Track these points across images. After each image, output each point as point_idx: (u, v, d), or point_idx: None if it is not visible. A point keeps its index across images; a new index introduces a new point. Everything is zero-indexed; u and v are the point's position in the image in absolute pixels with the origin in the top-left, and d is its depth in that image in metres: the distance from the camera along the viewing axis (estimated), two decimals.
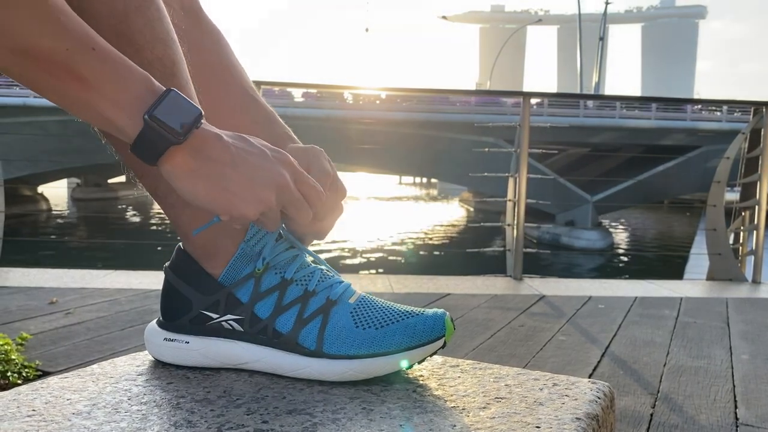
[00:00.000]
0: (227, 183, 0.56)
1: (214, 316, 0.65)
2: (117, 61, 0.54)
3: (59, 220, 24.00)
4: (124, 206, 26.86)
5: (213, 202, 0.57)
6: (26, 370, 1.50)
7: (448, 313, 0.66)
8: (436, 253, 16.53)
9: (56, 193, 29.46)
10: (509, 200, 3.38)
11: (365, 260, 15.12)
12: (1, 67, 0.52)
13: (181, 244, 0.68)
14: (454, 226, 25.61)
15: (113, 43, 0.55)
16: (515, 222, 3.31)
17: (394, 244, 18.33)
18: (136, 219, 24.21)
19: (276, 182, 0.58)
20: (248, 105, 0.79)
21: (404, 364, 0.64)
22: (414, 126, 20.70)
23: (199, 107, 0.56)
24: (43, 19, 0.51)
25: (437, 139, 20.48)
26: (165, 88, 0.55)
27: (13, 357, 1.50)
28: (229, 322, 0.65)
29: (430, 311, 0.66)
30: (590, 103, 23.86)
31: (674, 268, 12.21)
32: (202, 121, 0.56)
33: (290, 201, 0.59)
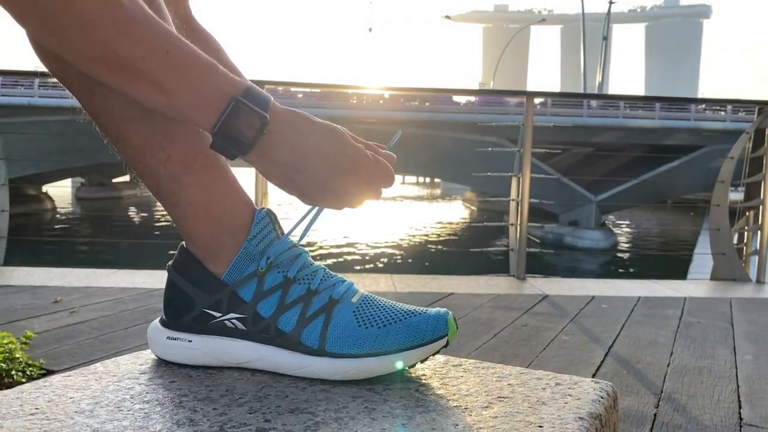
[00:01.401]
0: (296, 185, 0.61)
1: (217, 314, 0.66)
2: (190, 64, 0.57)
3: (63, 219, 24.06)
4: (126, 207, 26.91)
5: (292, 192, 0.62)
6: (30, 368, 1.51)
7: (450, 312, 0.66)
8: (438, 251, 16.52)
9: (60, 192, 29.52)
10: (512, 200, 3.37)
11: (368, 259, 15.12)
12: (91, 74, 0.56)
13: (184, 243, 0.68)
14: (457, 225, 25.59)
15: None
16: (518, 222, 3.31)
17: (397, 243, 18.32)
18: (140, 218, 24.25)
19: (349, 175, 0.62)
20: None
21: (407, 363, 0.64)
22: (417, 126, 20.69)
23: (266, 98, 0.59)
24: (120, 29, 0.53)
25: (440, 138, 20.47)
26: (232, 96, 0.57)
27: (17, 356, 1.50)
28: (232, 320, 0.65)
29: (432, 310, 0.66)
30: (593, 102, 23.81)
31: (678, 268, 12.18)
32: (269, 118, 0.58)
33: (372, 176, 0.63)
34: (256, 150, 0.59)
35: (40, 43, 0.59)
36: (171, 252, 0.72)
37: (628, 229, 26.19)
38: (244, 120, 0.57)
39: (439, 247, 18.59)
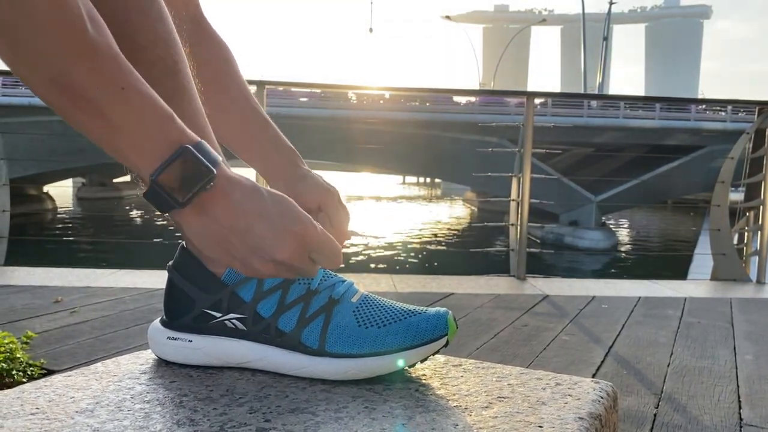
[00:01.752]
0: (231, 248, 0.57)
1: (217, 314, 0.66)
2: (144, 104, 0.54)
3: (64, 219, 24.08)
4: (128, 207, 26.92)
5: (219, 260, 0.59)
6: (31, 368, 1.51)
7: (450, 312, 0.66)
8: (438, 251, 16.51)
9: (61, 192, 29.53)
10: (513, 200, 3.37)
11: (368, 259, 15.12)
12: (38, 94, 0.53)
13: (184, 243, 0.68)
14: (457, 225, 25.59)
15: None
16: (519, 222, 3.31)
17: (397, 243, 18.32)
18: (140, 218, 24.27)
19: (279, 257, 0.57)
20: (254, 120, 0.81)
21: (407, 363, 0.64)
22: (418, 126, 20.69)
23: (216, 158, 0.56)
24: (79, 53, 0.51)
25: (441, 138, 20.48)
26: (181, 145, 0.55)
27: (18, 356, 1.50)
28: (232, 320, 0.65)
29: (432, 310, 0.66)
30: (594, 103, 23.82)
31: (678, 269, 12.18)
32: (216, 174, 0.55)
33: (300, 266, 0.59)
34: (194, 205, 0.55)
35: None
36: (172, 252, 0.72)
37: (628, 230, 26.19)
38: (191, 168, 0.54)
39: (440, 247, 18.59)
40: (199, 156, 0.55)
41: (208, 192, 0.55)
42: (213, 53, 0.81)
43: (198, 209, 0.56)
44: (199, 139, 0.56)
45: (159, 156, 0.54)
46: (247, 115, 0.81)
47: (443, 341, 0.65)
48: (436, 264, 14.24)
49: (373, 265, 14.21)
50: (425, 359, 0.66)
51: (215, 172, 0.55)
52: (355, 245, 16.43)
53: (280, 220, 0.57)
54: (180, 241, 0.69)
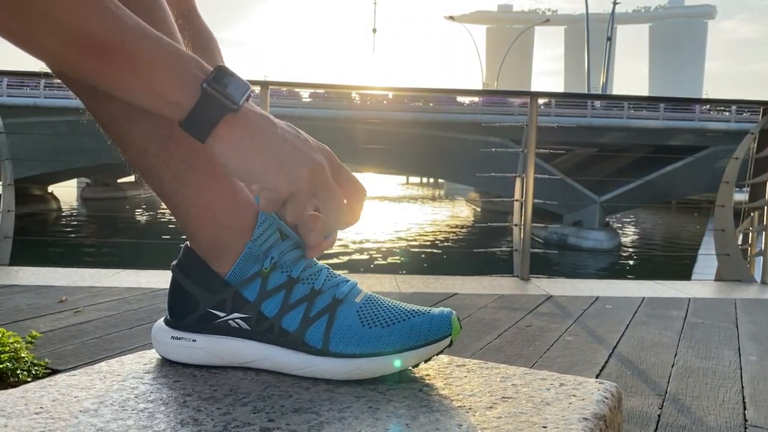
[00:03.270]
0: (269, 153, 0.58)
1: (221, 314, 0.66)
2: (170, 46, 0.56)
3: (69, 220, 24.15)
4: (129, 207, 26.98)
5: (258, 173, 0.58)
6: (35, 368, 1.51)
7: (454, 312, 0.66)
8: (441, 251, 16.51)
9: (66, 192, 29.64)
10: (516, 200, 3.37)
11: (372, 259, 15.12)
12: (58, 57, 0.54)
13: (188, 242, 0.68)
14: (461, 226, 25.57)
15: None
16: (522, 222, 3.30)
17: (400, 243, 18.31)
18: (144, 218, 24.31)
19: (313, 162, 0.59)
20: None
21: (410, 363, 0.64)
22: (421, 126, 20.68)
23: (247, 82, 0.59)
24: (98, 10, 0.53)
25: (444, 139, 20.46)
26: (217, 65, 0.58)
27: (22, 355, 1.51)
28: (236, 320, 0.65)
29: (436, 310, 0.66)
30: (598, 103, 23.77)
31: (682, 269, 12.15)
32: (251, 94, 0.59)
33: (325, 185, 0.60)
34: (242, 110, 0.57)
35: (3, 31, 0.54)
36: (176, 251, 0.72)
37: (632, 230, 26.13)
38: (236, 79, 0.57)
39: (444, 246, 18.58)
40: (233, 72, 0.58)
41: (249, 104, 0.58)
42: (201, 47, 0.81)
43: (242, 119, 0.57)
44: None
45: (198, 77, 0.56)
46: None
47: (447, 341, 0.65)
48: (439, 264, 14.23)
49: (376, 265, 14.21)
50: (429, 359, 0.65)
51: (249, 85, 0.58)
52: (358, 243, 16.43)
53: (314, 141, 0.61)
54: (184, 240, 0.69)
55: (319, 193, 0.60)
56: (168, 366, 0.68)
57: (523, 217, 3.30)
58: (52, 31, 0.52)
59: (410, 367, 0.66)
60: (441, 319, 0.64)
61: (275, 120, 0.60)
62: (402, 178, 61.66)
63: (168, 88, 0.56)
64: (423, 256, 16.28)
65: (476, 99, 23.53)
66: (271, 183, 0.58)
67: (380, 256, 15.75)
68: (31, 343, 1.61)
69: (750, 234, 3.64)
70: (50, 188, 24.85)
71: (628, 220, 28.52)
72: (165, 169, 0.64)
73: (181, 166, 0.63)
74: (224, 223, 0.65)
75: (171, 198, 0.65)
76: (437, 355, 0.66)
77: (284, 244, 0.66)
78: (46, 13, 0.51)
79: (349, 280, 0.68)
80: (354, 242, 16.83)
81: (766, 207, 3.45)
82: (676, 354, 1.88)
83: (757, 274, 3.45)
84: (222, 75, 0.57)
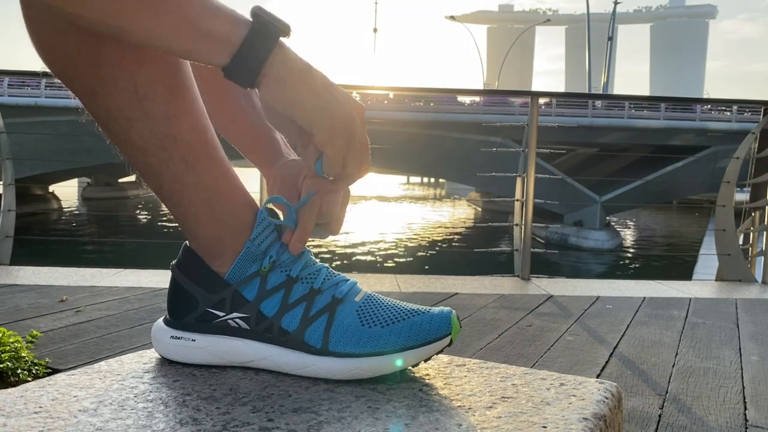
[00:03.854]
0: (325, 85, 0.59)
1: (221, 314, 0.66)
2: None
3: (70, 219, 24.17)
4: (132, 206, 27.01)
5: (317, 107, 0.58)
6: (36, 367, 1.51)
7: (454, 311, 0.66)
8: (442, 251, 16.51)
9: (67, 192, 29.64)
10: (517, 200, 3.37)
11: (372, 259, 15.12)
12: (100, 14, 0.53)
13: (187, 242, 0.68)
14: (462, 225, 25.57)
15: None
16: (523, 222, 3.30)
17: (401, 243, 18.32)
18: (145, 218, 24.33)
19: (359, 109, 0.60)
20: (252, 115, 0.81)
21: (410, 362, 0.64)
22: (422, 126, 20.68)
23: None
24: None
25: (445, 139, 20.46)
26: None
27: (23, 354, 1.51)
28: (235, 320, 0.65)
29: (436, 309, 0.66)
30: (598, 103, 23.75)
31: (683, 269, 12.14)
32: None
33: (361, 138, 0.61)
34: (281, 52, 0.57)
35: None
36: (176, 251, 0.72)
37: (633, 230, 26.13)
38: (274, 18, 0.57)
39: (444, 246, 18.58)
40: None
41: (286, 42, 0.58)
42: None
43: (289, 49, 0.58)
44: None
45: (238, 14, 0.56)
46: (244, 110, 0.82)
47: (447, 341, 0.64)
48: (440, 264, 14.23)
49: (376, 264, 14.21)
50: (429, 359, 0.65)
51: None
52: (357, 243, 16.44)
53: (348, 97, 0.61)
54: (184, 240, 0.69)
55: (357, 141, 0.61)
56: (167, 365, 0.68)
57: (523, 217, 3.30)
58: None
59: (410, 367, 0.66)
60: (441, 319, 0.64)
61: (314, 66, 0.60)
62: (403, 178, 61.67)
63: (216, 23, 0.55)
64: (424, 255, 16.28)
65: (477, 99, 23.53)
66: (329, 122, 0.59)
67: (380, 256, 15.75)
68: (31, 342, 1.61)
69: (751, 234, 3.63)
70: (51, 188, 24.87)
71: (629, 220, 28.51)
72: (164, 169, 0.63)
73: (180, 165, 0.63)
74: (223, 222, 0.65)
75: (170, 197, 0.65)
76: (437, 354, 0.66)
77: (283, 243, 0.66)
78: None
79: (348, 280, 0.68)
80: (353, 242, 16.83)
81: (767, 207, 3.44)
82: (676, 354, 1.87)
83: (758, 274, 3.44)
84: (262, 9, 0.57)
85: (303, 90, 0.58)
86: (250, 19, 0.56)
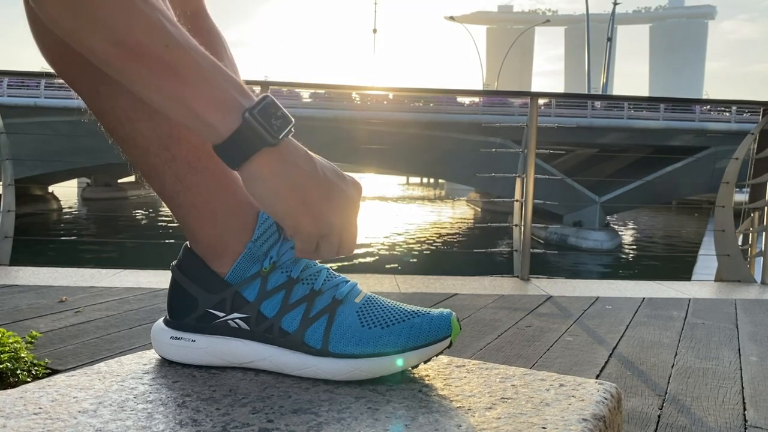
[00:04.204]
0: (305, 195, 0.57)
1: (221, 314, 0.66)
2: (214, 63, 0.55)
3: (69, 219, 24.17)
4: (132, 207, 27.00)
5: (287, 212, 0.57)
6: (35, 368, 1.51)
7: (454, 312, 0.66)
8: (442, 251, 16.51)
9: (67, 192, 29.64)
10: (516, 201, 3.37)
11: (372, 259, 15.12)
12: (102, 59, 0.53)
13: (188, 243, 0.68)
14: (461, 226, 25.57)
15: None
16: (522, 222, 3.30)
17: (401, 243, 18.32)
18: (145, 218, 24.32)
19: (349, 204, 0.59)
20: None
21: (410, 363, 0.64)
22: (421, 126, 20.69)
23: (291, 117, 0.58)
24: (144, 16, 0.52)
25: (445, 139, 20.47)
26: (261, 95, 0.56)
27: (22, 355, 1.51)
28: (236, 320, 0.65)
29: (436, 311, 0.66)
30: (598, 103, 23.77)
31: (682, 269, 12.14)
32: (293, 130, 0.57)
33: (351, 223, 0.60)
34: (281, 146, 0.56)
35: (54, 22, 0.54)
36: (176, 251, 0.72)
37: (632, 230, 26.14)
38: (279, 112, 0.56)
39: (444, 247, 18.59)
40: (280, 105, 0.57)
41: (290, 139, 0.57)
42: (210, 50, 0.81)
43: (280, 154, 0.56)
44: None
45: (240, 103, 0.55)
46: None
47: (446, 342, 0.64)
48: (440, 264, 14.24)
49: (375, 264, 14.21)
50: (428, 360, 0.65)
51: (293, 120, 0.57)
52: (358, 244, 16.42)
53: (342, 178, 0.60)
54: (184, 240, 0.69)
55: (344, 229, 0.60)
56: (167, 366, 0.68)
57: (523, 218, 3.30)
58: (97, 30, 0.51)
59: (410, 368, 0.66)
60: (441, 320, 0.64)
61: (314, 157, 0.59)
62: (402, 179, 61.68)
63: (207, 108, 0.54)
64: (423, 255, 16.28)
65: (477, 99, 23.53)
66: (298, 225, 0.58)
67: (380, 256, 15.74)
68: (31, 343, 1.61)
69: (750, 234, 3.64)
70: (51, 188, 24.86)
71: (629, 220, 28.53)
72: (166, 169, 0.64)
73: (183, 166, 0.63)
74: (225, 223, 0.65)
75: (172, 198, 0.65)
76: (437, 355, 0.66)
77: (284, 244, 0.66)
78: (94, 12, 0.51)
79: (348, 281, 0.68)
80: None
81: (766, 207, 3.45)
82: (676, 354, 1.87)
83: (757, 275, 3.45)
84: (267, 106, 0.55)
85: (270, 198, 0.57)
86: (245, 114, 0.55)
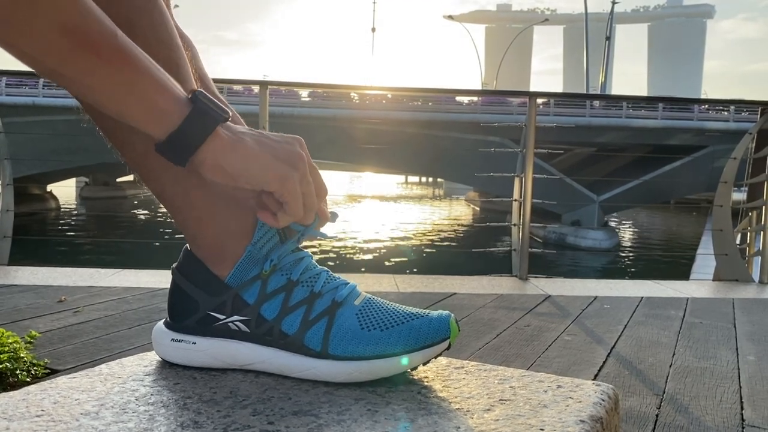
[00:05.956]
0: (258, 156, 0.59)
1: (221, 317, 0.66)
2: (152, 62, 0.56)
3: (68, 219, 24.14)
4: (130, 206, 26.98)
5: (255, 176, 0.59)
6: (35, 368, 1.52)
7: (452, 314, 0.67)
8: (440, 250, 16.52)
9: (65, 191, 29.61)
10: (515, 200, 3.37)
11: (371, 259, 15.12)
12: (47, 50, 0.51)
13: (188, 245, 0.69)
14: (460, 225, 25.58)
15: None
16: (521, 222, 3.30)
17: (399, 243, 18.32)
18: (144, 218, 24.31)
19: (296, 154, 0.61)
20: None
21: (409, 365, 0.65)
22: (420, 126, 20.69)
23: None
24: (88, 3, 0.52)
25: (443, 138, 20.47)
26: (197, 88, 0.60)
27: (22, 355, 1.51)
28: (236, 323, 0.66)
29: (435, 313, 0.66)
30: (596, 102, 23.79)
31: (680, 269, 12.16)
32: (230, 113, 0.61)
33: (306, 175, 0.61)
34: (224, 128, 0.58)
35: None
36: (175, 251, 0.72)
37: (630, 229, 26.16)
38: (214, 103, 0.58)
39: (442, 246, 18.59)
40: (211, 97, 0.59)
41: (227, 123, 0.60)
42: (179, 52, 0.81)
43: (230, 128, 0.59)
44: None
45: (182, 91, 0.57)
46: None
47: (445, 344, 0.65)
48: (438, 264, 14.25)
49: (374, 264, 14.21)
50: (427, 362, 0.66)
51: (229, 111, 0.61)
52: (357, 244, 16.43)
53: (280, 138, 0.62)
54: (184, 241, 0.69)
55: (303, 183, 0.61)
56: (168, 368, 0.68)
57: (521, 217, 3.30)
58: (44, 17, 0.49)
59: (409, 370, 0.66)
60: (440, 322, 0.65)
61: (248, 128, 0.62)
62: (401, 178, 61.67)
63: (160, 95, 0.55)
64: (422, 255, 16.28)
65: (475, 99, 23.54)
66: (265, 182, 0.60)
67: (379, 256, 15.74)
68: (30, 343, 1.62)
69: (748, 234, 3.65)
70: (49, 187, 24.84)
71: (627, 219, 28.55)
72: (166, 173, 0.64)
73: (182, 170, 0.63)
74: (225, 226, 0.66)
75: (172, 201, 0.66)
76: (436, 357, 0.66)
77: (284, 247, 0.67)
78: (37, 3, 0.49)
79: (348, 283, 0.69)
80: (352, 242, 16.82)
81: (764, 207, 3.45)
82: (674, 354, 1.88)
83: (755, 274, 3.45)
84: (203, 94, 0.58)
85: (241, 163, 0.58)
86: (191, 102, 0.57)
